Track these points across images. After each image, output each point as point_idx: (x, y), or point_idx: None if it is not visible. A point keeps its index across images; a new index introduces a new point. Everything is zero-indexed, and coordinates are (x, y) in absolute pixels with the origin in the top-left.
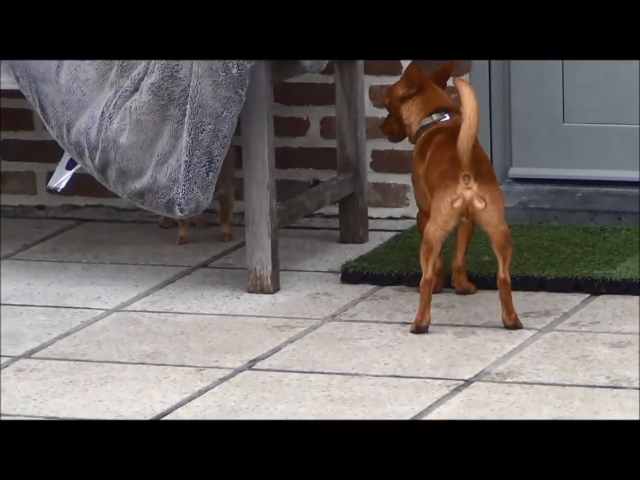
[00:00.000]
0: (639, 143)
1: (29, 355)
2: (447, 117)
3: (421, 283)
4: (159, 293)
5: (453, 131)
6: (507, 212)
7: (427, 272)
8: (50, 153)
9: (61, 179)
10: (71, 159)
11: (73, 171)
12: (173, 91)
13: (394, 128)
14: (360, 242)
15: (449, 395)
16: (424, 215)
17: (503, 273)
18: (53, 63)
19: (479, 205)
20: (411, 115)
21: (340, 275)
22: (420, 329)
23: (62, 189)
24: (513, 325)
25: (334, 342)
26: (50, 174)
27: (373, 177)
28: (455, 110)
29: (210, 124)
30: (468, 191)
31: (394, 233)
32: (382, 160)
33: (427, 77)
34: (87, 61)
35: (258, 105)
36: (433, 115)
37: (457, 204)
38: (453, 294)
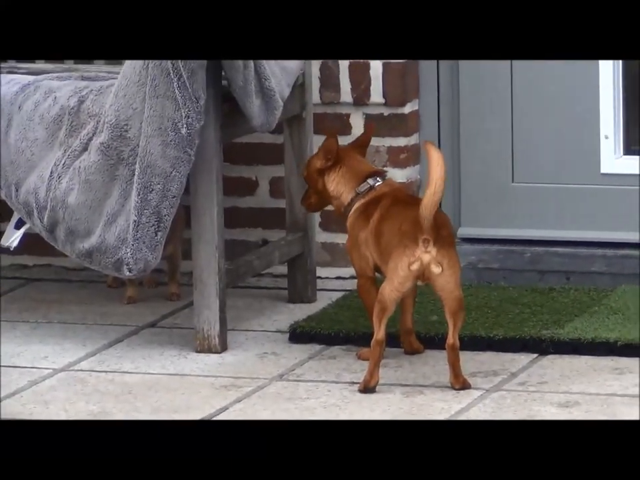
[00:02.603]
0: (587, 203)
1: None
2: (380, 182)
3: (372, 343)
4: (106, 352)
5: (399, 194)
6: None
7: (379, 332)
8: None
9: (13, 237)
10: (19, 219)
11: (22, 229)
12: (122, 151)
13: (312, 201)
14: (308, 302)
15: None
16: (367, 280)
17: (452, 337)
18: (2, 123)
19: (435, 269)
20: (339, 185)
21: (288, 335)
22: (368, 388)
23: (15, 247)
24: (460, 387)
25: (281, 402)
26: None
27: (321, 237)
28: (383, 174)
29: (159, 184)
30: (426, 255)
31: (342, 293)
32: (330, 220)
33: (346, 148)
34: (37, 120)
35: (207, 164)
36: (368, 180)
37: (415, 266)
38: (401, 354)
